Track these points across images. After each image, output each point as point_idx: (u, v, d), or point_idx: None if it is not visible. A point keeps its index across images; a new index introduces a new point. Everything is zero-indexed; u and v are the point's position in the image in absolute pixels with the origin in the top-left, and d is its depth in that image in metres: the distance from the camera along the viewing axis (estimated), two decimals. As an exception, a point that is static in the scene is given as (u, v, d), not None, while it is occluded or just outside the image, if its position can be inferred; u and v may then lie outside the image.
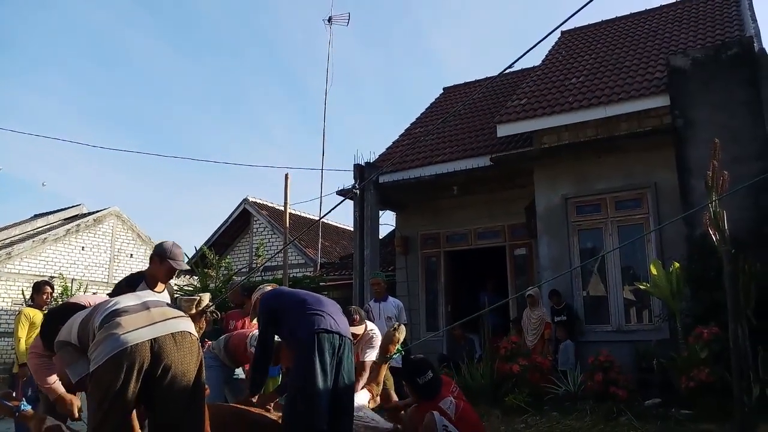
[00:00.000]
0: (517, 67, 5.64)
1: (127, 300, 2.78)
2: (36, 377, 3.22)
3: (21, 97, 45.45)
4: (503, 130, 9.10)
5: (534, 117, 8.72)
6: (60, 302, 8.20)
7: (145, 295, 3.01)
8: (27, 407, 3.30)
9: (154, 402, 2.63)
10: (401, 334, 4.29)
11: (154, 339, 2.56)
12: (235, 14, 59.14)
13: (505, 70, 5.50)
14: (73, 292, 15.01)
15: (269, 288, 4.30)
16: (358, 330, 4.63)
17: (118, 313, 2.62)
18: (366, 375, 4.45)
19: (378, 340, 4.65)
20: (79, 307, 3.01)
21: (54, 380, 3.12)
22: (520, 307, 9.01)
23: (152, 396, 2.61)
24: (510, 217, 10.00)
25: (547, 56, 11.41)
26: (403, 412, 3.99)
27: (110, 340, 2.51)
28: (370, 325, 4.90)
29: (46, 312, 3.90)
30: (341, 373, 3.47)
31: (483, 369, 7.19)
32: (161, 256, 3.87)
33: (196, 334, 2.83)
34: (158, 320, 2.65)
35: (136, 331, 2.55)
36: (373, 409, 4.21)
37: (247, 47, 61.34)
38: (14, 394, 5.08)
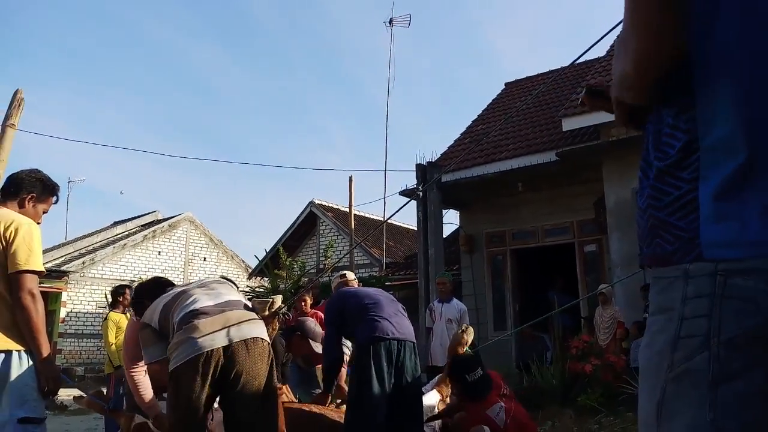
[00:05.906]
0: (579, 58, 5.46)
1: (205, 300, 2.83)
2: (135, 397, 3.28)
3: (99, 112, 48.21)
4: (569, 124, 8.89)
5: (601, 109, 8.44)
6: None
7: (223, 292, 2.96)
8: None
9: (228, 405, 2.76)
10: (469, 336, 4.26)
11: (227, 346, 2.67)
12: (292, 22, 60.36)
13: (574, 61, 5.29)
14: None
15: (345, 274, 4.43)
16: None
17: (196, 314, 2.72)
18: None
19: None
20: (167, 283, 3.19)
21: (152, 401, 3.19)
22: (591, 305, 8.77)
23: (226, 399, 2.75)
24: (578, 213, 9.74)
25: (612, 46, 11.05)
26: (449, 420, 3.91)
27: (188, 343, 2.62)
28: None
29: (135, 287, 4.04)
30: (404, 378, 3.42)
31: (554, 369, 7.06)
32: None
33: (268, 339, 2.92)
34: (233, 323, 2.73)
35: (212, 336, 2.65)
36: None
37: (306, 53, 62.44)
38: (105, 392, 5.40)
